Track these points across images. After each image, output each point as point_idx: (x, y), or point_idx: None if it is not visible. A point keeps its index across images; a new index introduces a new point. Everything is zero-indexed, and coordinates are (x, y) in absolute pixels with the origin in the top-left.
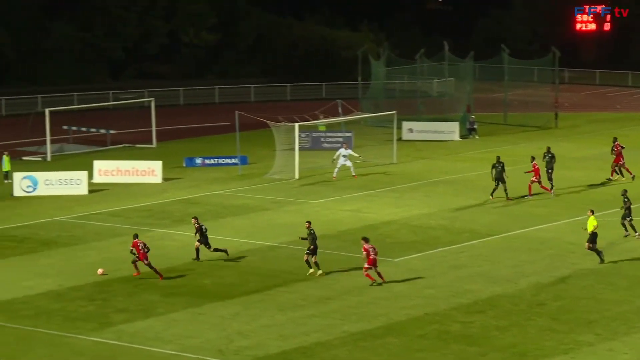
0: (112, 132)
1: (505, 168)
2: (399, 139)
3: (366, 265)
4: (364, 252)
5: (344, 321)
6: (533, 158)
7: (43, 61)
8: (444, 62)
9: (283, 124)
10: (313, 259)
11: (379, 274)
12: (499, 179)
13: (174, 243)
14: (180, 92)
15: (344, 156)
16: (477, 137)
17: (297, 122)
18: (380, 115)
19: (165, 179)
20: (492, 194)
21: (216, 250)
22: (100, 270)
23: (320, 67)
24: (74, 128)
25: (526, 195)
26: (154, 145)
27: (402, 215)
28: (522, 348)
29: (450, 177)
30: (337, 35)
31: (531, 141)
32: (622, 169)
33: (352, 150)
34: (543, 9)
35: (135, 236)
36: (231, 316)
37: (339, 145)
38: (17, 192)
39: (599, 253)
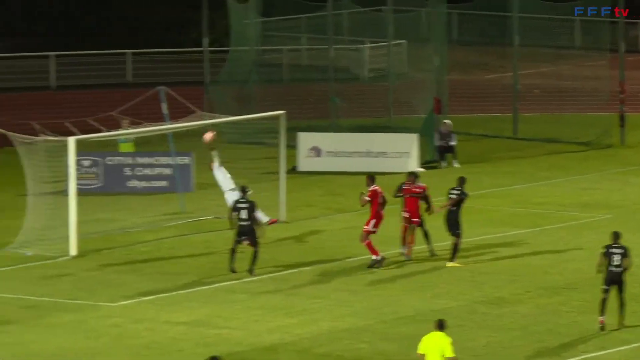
0: None
1: None
2: (292, 170)
3: None
4: None
5: None
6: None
7: None
8: (384, 6)
9: (42, 137)
10: None
11: None
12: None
13: None
14: None
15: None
16: (456, 164)
17: (73, 134)
18: (252, 118)
19: None
20: None
21: None
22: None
23: (122, 17)
24: None
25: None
26: None
27: (296, 333)
28: None
29: (395, 252)
30: None
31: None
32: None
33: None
34: None
35: None
36: None
37: (164, 184)
38: None
39: None
